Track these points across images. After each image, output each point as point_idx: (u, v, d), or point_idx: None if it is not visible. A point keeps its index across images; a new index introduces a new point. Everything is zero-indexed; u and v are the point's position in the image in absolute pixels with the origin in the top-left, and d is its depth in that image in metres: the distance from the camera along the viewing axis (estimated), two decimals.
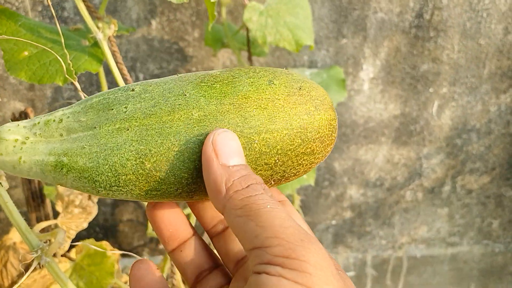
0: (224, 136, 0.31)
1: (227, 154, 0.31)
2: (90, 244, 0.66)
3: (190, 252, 0.38)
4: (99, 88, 1.10)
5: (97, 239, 1.29)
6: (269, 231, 0.27)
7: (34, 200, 0.67)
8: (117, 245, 1.30)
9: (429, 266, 1.56)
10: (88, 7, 0.50)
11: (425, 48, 1.21)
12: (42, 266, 0.43)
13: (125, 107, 0.32)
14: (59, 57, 0.36)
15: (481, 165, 1.41)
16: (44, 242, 0.43)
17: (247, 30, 0.98)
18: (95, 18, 0.52)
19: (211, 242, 0.41)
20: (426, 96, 1.27)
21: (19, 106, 1.08)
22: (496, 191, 1.46)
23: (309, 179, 1.00)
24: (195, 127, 0.32)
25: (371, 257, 1.53)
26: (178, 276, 0.67)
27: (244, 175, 0.30)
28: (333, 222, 1.44)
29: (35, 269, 0.60)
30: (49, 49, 0.39)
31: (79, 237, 1.27)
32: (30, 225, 0.75)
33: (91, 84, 1.10)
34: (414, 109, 1.29)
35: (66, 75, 0.37)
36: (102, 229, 1.26)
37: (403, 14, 1.16)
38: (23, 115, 0.61)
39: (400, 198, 1.43)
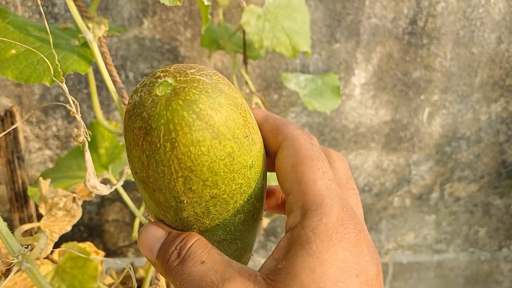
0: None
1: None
2: (73, 248, 0.64)
3: None
4: (87, 85, 1.08)
5: (82, 239, 1.27)
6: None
7: (18, 201, 0.65)
8: (102, 245, 1.28)
9: (415, 273, 1.56)
10: (78, 7, 0.48)
11: (418, 55, 1.21)
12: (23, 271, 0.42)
13: None
14: (45, 58, 0.35)
15: (469, 173, 1.41)
16: (25, 247, 0.42)
17: (244, 32, 0.97)
18: (85, 17, 0.50)
19: None
20: (417, 103, 1.27)
21: (6, 102, 1.06)
22: (484, 199, 1.47)
23: None
24: None
25: None
26: (162, 281, 0.66)
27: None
28: None
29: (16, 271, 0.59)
30: (35, 50, 0.37)
31: (63, 235, 1.25)
32: (13, 225, 0.73)
33: (80, 81, 1.08)
34: (405, 116, 1.29)
35: (53, 78, 0.36)
36: (87, 228, 1.24)
37: (397, 20, 1.16)
38: (9, 114, 0.60)
39: (388, 204, 1.43)
